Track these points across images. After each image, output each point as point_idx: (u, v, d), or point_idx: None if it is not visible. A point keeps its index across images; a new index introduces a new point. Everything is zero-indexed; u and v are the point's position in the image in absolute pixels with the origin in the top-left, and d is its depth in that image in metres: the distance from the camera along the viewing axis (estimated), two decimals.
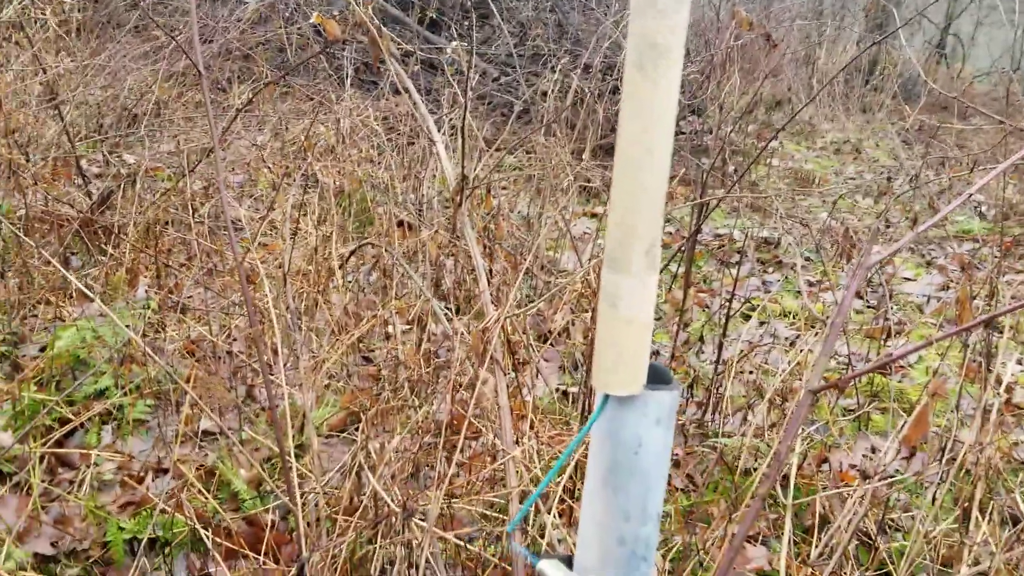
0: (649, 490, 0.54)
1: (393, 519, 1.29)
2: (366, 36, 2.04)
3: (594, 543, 0.55)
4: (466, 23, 5.67)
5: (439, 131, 3.41)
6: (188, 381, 2.69)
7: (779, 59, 6.31)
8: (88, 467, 2.32)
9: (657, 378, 0.54)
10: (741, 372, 2.88)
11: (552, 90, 3.84)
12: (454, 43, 2.96)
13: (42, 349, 2.85)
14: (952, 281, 4.18)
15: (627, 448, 0.53)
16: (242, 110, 2.86)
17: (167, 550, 2.09)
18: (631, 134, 0.50)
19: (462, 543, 1.38)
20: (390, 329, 2.97)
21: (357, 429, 2.53)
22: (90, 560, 2.07)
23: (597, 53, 4.40)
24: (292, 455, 1.73)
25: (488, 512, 1.49)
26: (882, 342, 3.14)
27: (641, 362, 0.52)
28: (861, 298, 3.91)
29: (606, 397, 0.53)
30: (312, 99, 3.97)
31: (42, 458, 2.31)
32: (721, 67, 4.41)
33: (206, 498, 2.16)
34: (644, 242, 0.50)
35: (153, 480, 2.35)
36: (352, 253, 3.03)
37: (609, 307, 0.51)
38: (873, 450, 2.74)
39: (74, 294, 2.98)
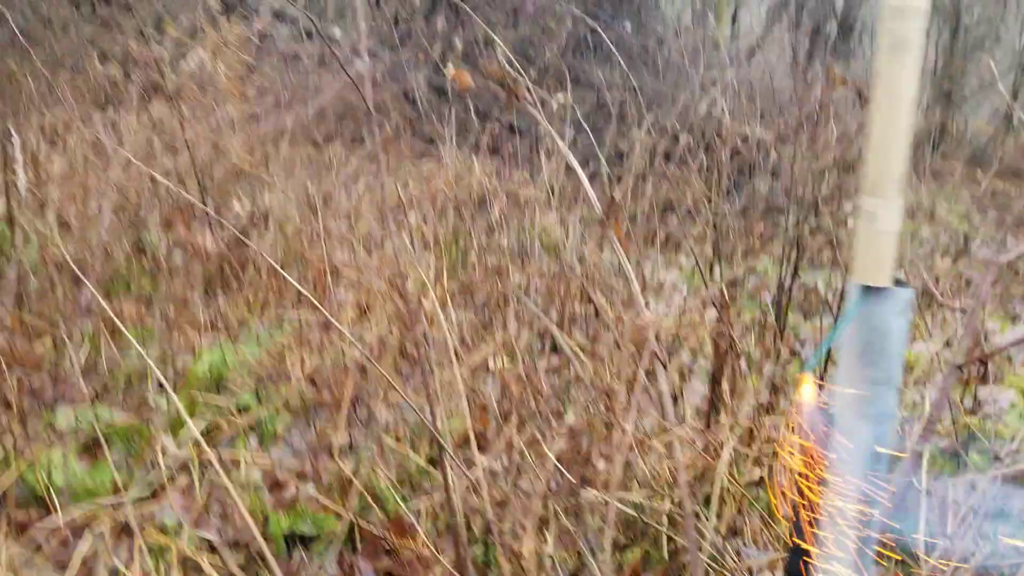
0: (893, 363, 0.73)
1: (565, 493, 1.48)
2: (501, 87, 2.28)
3: (850, 407, 0.74)
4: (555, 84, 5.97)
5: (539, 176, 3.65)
6: (318, 403, 2.94)
7: (857, 121, 6.49)
8: (240, 470, 2.54)
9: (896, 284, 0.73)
10: None
11: (642, 150, 4.07)
12: (560, 96, 3.23)
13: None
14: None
15: (877, 332, 0.72)
16: (368, 163, 3.13)
17: (318, 546, 2.29)
18: (884, 99, 0.70)
19: (634, 514, 1.55)
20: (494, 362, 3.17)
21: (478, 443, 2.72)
22: (250, 551, 2.27)
23: (674, 116, 4.64)
24: (450, 452, 1.92)
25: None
26: (976, 386, 3.25)
27: (890, 263, 0.71)
28: (950, 347, 4.02)
29: (861, 292, 0.73)
30: (423, 155, 4.27)
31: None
32: (803, 127, 4.62)
33: (344, 501, 2.37)
34: (895, 174, 0.70)
35: (296, 487, 2.56)
36: (464, 289, 3.27)
37: (868, 223, 0.71)
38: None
39: (214, 322, 3.25)
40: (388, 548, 2.24)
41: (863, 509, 0.76)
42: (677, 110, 3.99)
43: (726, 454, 1.57)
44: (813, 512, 0.79)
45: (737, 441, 1.78)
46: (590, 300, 3.24)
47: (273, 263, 3.02)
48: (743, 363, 2.36)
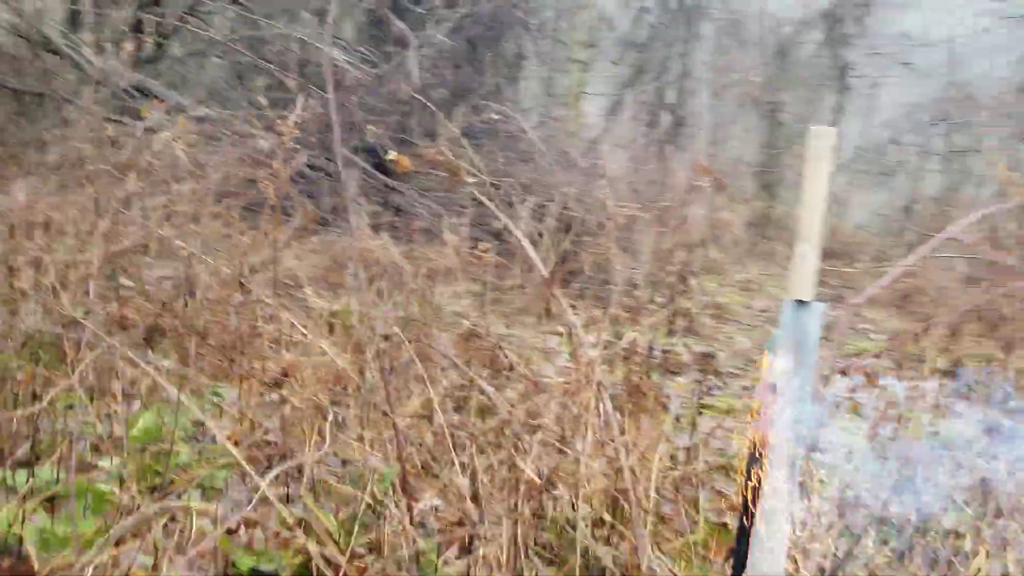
0: (811, 353, 1.17)
1: (536, 490, 1.85)
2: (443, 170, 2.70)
3: (786, 374, 1.18)
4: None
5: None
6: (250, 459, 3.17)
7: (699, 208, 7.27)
8: (191, 520, 2.74)
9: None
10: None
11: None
12: (474, 180, 3.67)
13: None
14: (858, 386, 5.00)
15: (804, 331, 1.17)
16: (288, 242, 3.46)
17: None
18: (808, 186, 1.16)
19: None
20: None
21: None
22: None
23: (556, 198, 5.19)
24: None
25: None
26: None
27: (812, 286, 1.17)
28: None
29: (793, 305, 1.17)
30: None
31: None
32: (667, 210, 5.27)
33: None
34: (815, 232, 1.16)
35: (246, 530, 2.78)
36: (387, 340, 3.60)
37: (801, 258, 1.16)
38: None
39: (147, 385, 3.42)
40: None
41: (793, 439, 1.20)
42: (557, 193, 4.52)
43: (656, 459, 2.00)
44: (764, 446, 1.23)
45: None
46: (496, 360, 3.66)
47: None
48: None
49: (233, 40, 10.35)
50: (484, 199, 2.54)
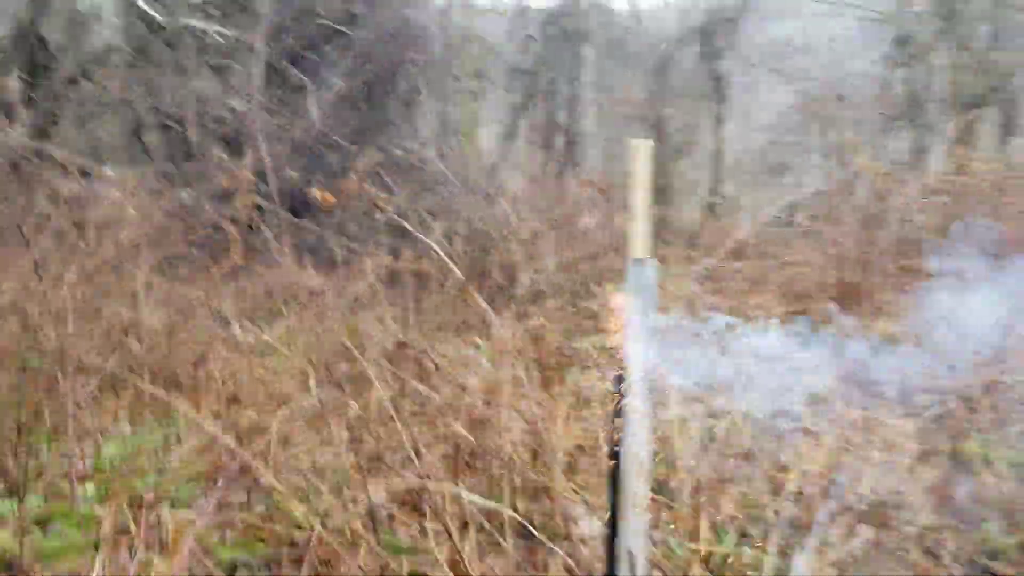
0: (651, 297, 1.67)
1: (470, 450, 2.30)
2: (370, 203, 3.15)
3: (632, 309, 1.67)
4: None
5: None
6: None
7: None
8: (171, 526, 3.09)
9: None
10: None
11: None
12: (390, 208, 4.10)
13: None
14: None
15: (644, 279, 1.67)
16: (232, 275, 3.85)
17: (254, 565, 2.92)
18: (635, 184, 1.67)
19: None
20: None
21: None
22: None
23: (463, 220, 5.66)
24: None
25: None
26: None
27: (646, 249, 1.67)
28: None
29: (635, 261, 1.67)
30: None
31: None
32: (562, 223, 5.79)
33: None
34: (643, 209, 1.66)
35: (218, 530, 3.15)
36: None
37: (636, 229, 1.67)
38: None
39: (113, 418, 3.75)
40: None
41: (642, 365, 1.70)
42: (464, 215, 4.99)
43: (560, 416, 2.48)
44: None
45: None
46: (423, 367, 4.11)
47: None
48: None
49: (130, 98, 10.54)
50: (404, 223, 2.99)
